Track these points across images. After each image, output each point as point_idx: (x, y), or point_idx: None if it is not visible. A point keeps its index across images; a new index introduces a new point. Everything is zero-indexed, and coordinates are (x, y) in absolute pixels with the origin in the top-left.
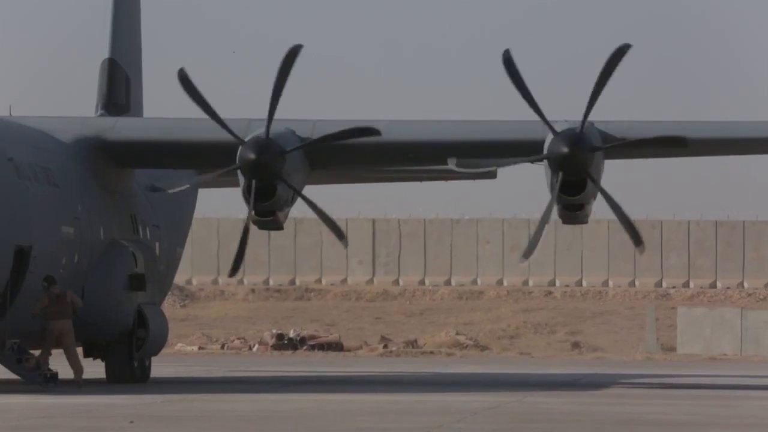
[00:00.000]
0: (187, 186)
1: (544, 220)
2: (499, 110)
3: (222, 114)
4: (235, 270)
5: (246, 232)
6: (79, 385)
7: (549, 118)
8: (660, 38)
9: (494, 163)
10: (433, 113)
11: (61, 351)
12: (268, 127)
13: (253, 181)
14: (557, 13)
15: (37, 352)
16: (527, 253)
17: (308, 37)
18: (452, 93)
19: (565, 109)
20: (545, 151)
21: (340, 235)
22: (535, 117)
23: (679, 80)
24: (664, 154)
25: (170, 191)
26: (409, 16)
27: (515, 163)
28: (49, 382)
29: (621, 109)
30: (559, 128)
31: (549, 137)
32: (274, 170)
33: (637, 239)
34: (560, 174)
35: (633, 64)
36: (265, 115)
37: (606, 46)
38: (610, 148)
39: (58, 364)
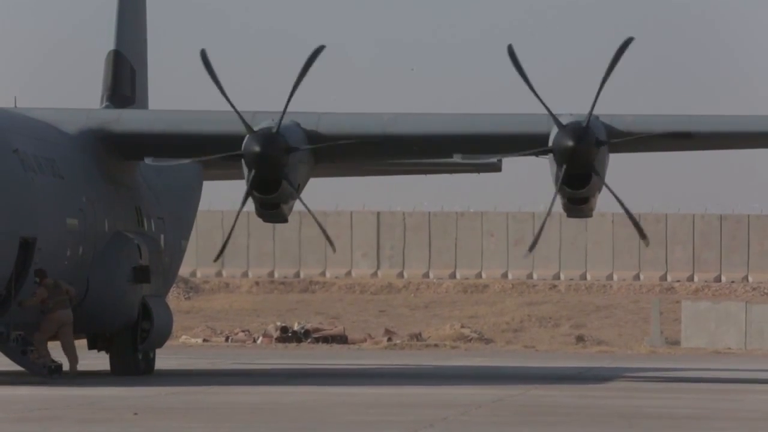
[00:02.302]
0: (189, 161)
1: (548, 212)
2: (501, 104)
3: (224, 107)
4: (218, 256)
5: (236, 217)
6: (73, 375)
7: (553, 111)
8: (659, 32)
9: (499, 156)
10: (437, 106)
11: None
12: (279, 121)
13: (253, 171)
14: (559, 7)
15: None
16: (532, 246)
17: (311, 29)
18: (455, 86)
19: (566, 102)
20: (550, 144)
21: (329, 240)
22: (539, 111)
23: (679, 74)
24: (669, 148)
25: (172, 163)
26: (413, 8)
27: (521, 155)
28: (54, 374)
29: (622, 102)
30: (564, 122)
31: (554, 130)
32: (276, 165)
33: (641, 234)
34: (564, 167)
35: (634, 58)
36: (267, 107)
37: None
38: (614, 143)
39: (62, 355)
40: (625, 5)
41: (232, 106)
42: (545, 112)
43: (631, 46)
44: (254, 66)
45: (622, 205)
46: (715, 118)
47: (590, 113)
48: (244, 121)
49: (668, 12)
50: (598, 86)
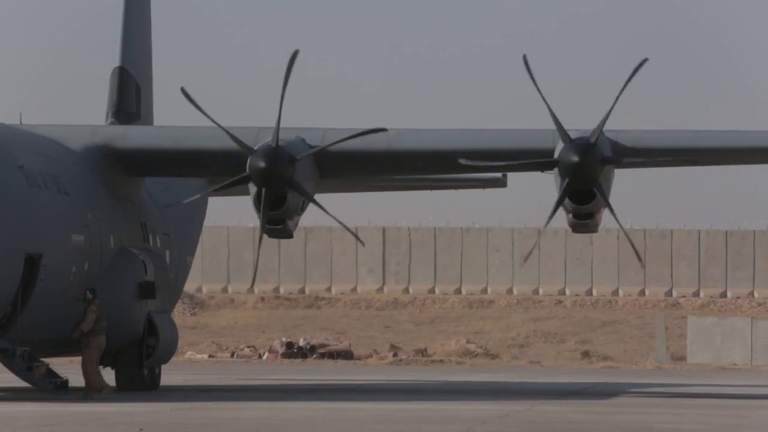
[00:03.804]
0: (198, 196)
1: (548, 219)
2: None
3: (233, 122)
4: (252, 282)
5: (260, 241)
6: (93, 397)
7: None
8: (661, 47)
9: (504, 168)
10: (441, 121)
11: (69, 359)
12: (276, 134)
13: (264, 190)
14: (560, 23)
15: (45, 360)
16: (527, 257)
17: (316, 44)
18: (459, 101)
19: (568, 118)
20: (556, 156)
21: (356, 236)
22: (545, 125)
23: (680, 89)
24: (674, 164)
25: (184, 202)
26: (416, 24)
27: (526, 169)
28: (60, 390)
29: (625, 117)
30: (572, 136)
31: (560, 145)
32: (284, 178)
33: (638, 256)
34: (567, 180)
35: (641, 75)
36: (274, 123)
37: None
38: (620, 160)
39: (68, 371)
40: (631, 20)
41: (228, 132)
42: (552, 124)
43: (630, 60)
44: (263, 82)
45: (621, 227)
46: (721, 134)
47: (599, 130)
48: (242, 144)
49: (673, 26)
50: (610, 103)
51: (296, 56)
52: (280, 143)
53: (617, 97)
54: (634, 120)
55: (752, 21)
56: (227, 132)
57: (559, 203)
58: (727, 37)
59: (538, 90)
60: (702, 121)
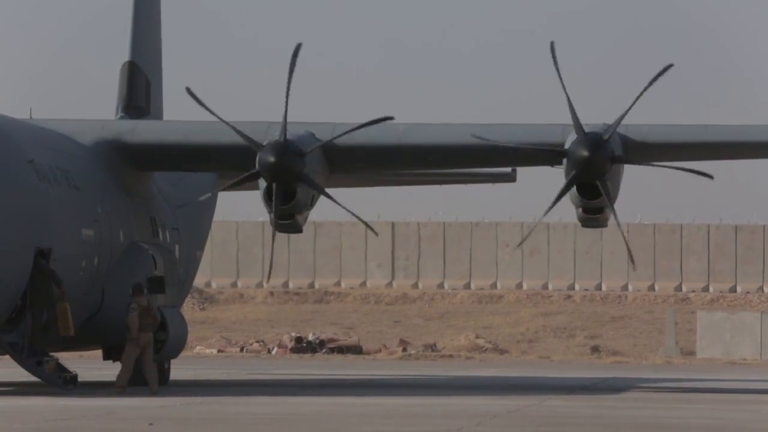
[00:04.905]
0: (209, 195)
1: (551, 206)
2: (512, 114)
3: (243, 117)
4: (269, 276)
5: (273, 237)
6: (154, 394)
7: (563, 122)
8: (662, 43)
9: (515, 159)
10: (449, 116)
11: (78, 354)
12: (283, 129)
13: (274, 185)
14: (562, 19)
15: (54, 354)
16: (521, 243)
17: (326, 38)
18: (466, 96)
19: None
20: (566, 146)
21: (369, 227)
22: (554, 119)
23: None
24: (686, 159)
25: (199, 199)
26: (424, 16)
27: (536, 162)
28: (69, 384)
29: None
30: (586, 130)
31: (572, 136)
32: (294, 172)
33: (631, 258)
34: (573, 172)
35: (639, 69)
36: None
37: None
38: (629, 158)
39: (77, 365)
40: (625, 18)
41: (235, 129)
42: (562, 118)
43: (641, 58)
44: (269, 75)
45: (619, 226)
46: (732, 128)
47: (614, 128)
48: (250, 139)
49: (670, 23)
50: (615, 98)
51: (299, 50)
52: (288, 137)
53: (637, 98)
54: (640, 120)
55: (752, 20)
56: (234, 128)
57: (563, 193)
58: (723, 28)
59: (561, 79)
60: (702, 120)
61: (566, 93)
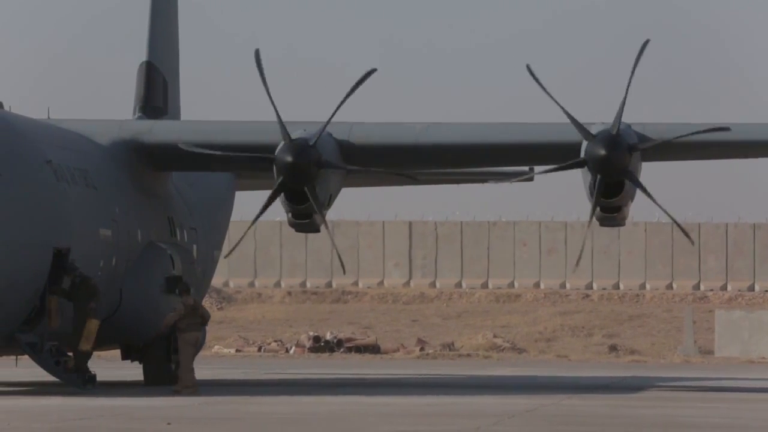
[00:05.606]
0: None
1: (588, 224)
2: (525, 113)
3: (252, 117)
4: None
5: (269, 201)
6: (179, 393)
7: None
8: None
9: (532, 166)
10: (462, 116)
11: (97, 354)
12: (320, 133)
13: (282, 178)
14: (565, 19)
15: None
16: (578, 261)
17: (338, 41)
18: (476, 95)
19: (586, 110)
20: (582, 155)
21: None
22: (566, 119)
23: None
24: (702, 156)
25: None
26: (434, 17)
27: (555, 170)
28: (88, 384)
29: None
30: (594, 131)
31: (584, 143)
32: (306, 177)
33: (685, 233)
34: (599, 177)
35: (646, 66)
36: (292, 118)
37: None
38: (648, 148)
39: (96, 366)
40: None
41: (276, 110)
42: (573, 124)
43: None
44: (280, 77)
45: (655, 202)
46: (750, 126)
47: (618, 120)
48: (284, 128)
49: (670, 20)
50: (623, 93)
51: (260, 55)
52: (317, 143)
53: (628, 84)
54: (638, 118)
55: (752, 21)
56: (568, 114)
57: (597, 203)
58: (725, 25)
59: (550, 96)
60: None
61: (561, 106)
